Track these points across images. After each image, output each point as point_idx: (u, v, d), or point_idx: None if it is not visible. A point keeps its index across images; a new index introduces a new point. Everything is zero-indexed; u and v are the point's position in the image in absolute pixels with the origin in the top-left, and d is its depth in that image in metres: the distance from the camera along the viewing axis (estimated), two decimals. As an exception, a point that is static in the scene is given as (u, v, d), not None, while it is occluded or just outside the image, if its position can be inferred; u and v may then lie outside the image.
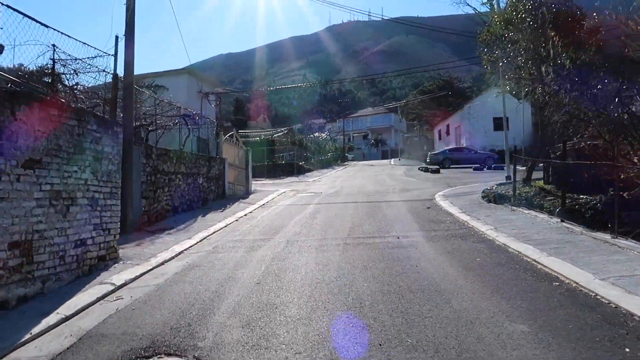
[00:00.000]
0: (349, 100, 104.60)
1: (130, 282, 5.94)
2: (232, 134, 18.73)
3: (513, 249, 6.68)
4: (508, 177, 16.62)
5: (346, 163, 57.26)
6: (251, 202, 15.12)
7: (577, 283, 4.85)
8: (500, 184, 15.04)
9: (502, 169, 28.89)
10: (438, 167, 32.91)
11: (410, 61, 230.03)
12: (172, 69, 27.01)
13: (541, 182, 11.68)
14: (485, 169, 29.34)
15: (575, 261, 5.55)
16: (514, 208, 9.97)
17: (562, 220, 8.61)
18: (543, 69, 11.69)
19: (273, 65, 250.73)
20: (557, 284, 5.02)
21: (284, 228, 9.79)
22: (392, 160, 57.97)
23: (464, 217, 9.44)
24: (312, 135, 58.49)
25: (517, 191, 11.20)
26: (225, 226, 10.50)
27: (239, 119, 76.17)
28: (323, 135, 66.77)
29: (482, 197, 11.65)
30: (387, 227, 9.09)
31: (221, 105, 57.20)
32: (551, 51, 11.53)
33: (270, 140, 42.56)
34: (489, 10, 13.64)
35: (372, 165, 48.17)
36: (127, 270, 6.35)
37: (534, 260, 5.95)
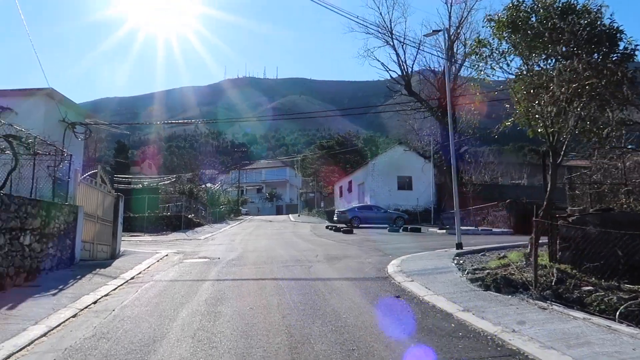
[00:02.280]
0: (244, 153, 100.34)
1: None
2: (96, 172, 13.49)
3: None
4: (459, 245, 13.36)
5: (240, 217, 52.23)
6: (113, 275, 9.97)
7: None
8: (460, 255, 11.65)
9: (419, 230, 26.33)
10: (348, 226, 29.67)
11: (303, 119, 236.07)
12: (24, 88, 20.91)
13: (544, 259, 8.30)
14: (400, 230, 26.52)
15: None
16: (545, 305, 6.28)
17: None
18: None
19: (167, 112, 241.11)
20: None
21: (159, 344, 5.10)
22: (291, 216, 54.18)
23: (482, 324, 5.45)
24: (204, 186, 53.01)
25: (532, 276, 7.65)
26: (43, 335, 5.50)
27: (119, 162, 68.03)
28: (215, 186, 61.40)
29: (469, 279, 7.92)
30: (363, 348, 4.87)
31: (97, 144, 49.77)
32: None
33: (154, 187, 36.60)
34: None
35: (270, 221, 43.83)
36: None
37: None
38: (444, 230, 25.03)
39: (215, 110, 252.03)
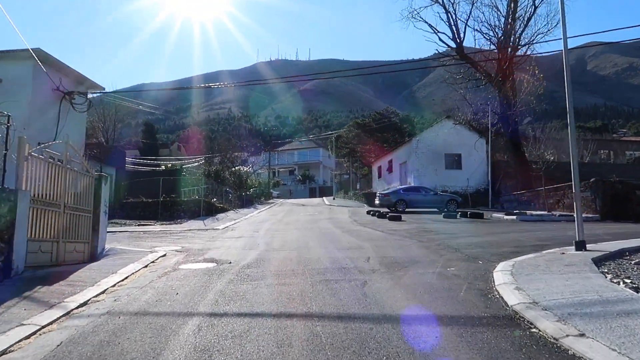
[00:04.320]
0: (276, 134, 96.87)
1: None
2: (66, 141, 9.75)
3: None
4: (581, 244, 9.02)
5: (271, 201, 48.71)
6: (52, 301, 6.24)
7: None
8: (600, 261, 7.40)
9: (481, 216, 21.85)
10: (392, 211, 25.60)
11: (337, 101, 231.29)
12: (6, 50, 17.49)
13: None
14: (458, 215, 22.17)
15: None
16: None
17: None
18: None
19: (203, 96, 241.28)
20: None
21: None
22: (325, 199, 50.27)
23: None
24: (234, 168, 49.80)
25: None
26: None
27: (147, 143, 65.67)
28: (245, 168, 58.14)
29: None
30: None
31: (115, 124, 46.99)
32: None
33: (175, 170, 33.28)
34: None
35: (303, 205, 40.03)
36: None
37: None
38: (514, 217, 20.55)
39: (249, 92, 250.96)
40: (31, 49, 16.45)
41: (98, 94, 23.58)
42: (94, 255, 10.56)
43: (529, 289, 5.76)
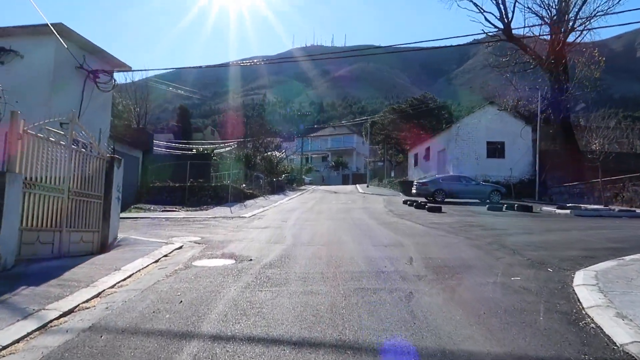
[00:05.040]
0: (310, 120, 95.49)
1: None
2: (71, 118, 8.71)
3: None
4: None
5: (303, 187, 47.67)
6: (34, 306, 5.19)
7: None
8: None
9: (529, 209, 20.00)
10: (429, 200, 24.09)
11: (371, 88, 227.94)
12: (28, 25, 16.72)
13: None
14: (504, 208, 20.42)
15: None
16: None
17: None
18: None
19: (239, 81, 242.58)
20: None
21: None
22: (359, 186, 48.81)
23: None
24: (266, 154, 48.97)
25: None
26: None
27: (181, 127, 65.58)
28: (278, 153, 57.26)
29: None
30: None
31: (147, 105, 46.62)
32: None
33: (206, 153, 32.49)
34: None
35: (335, 192, 38.76)
36: None
37: None
38: (567, 211, 18.65)
39: (284, 79, 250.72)
40: (52, 24, 15.60)
41: (132, 76, 22.86)
42: (105, 246, 9.58)
43: (637, 316, 4.29)
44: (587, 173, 25.29)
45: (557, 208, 19.83)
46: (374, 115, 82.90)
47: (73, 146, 8.66)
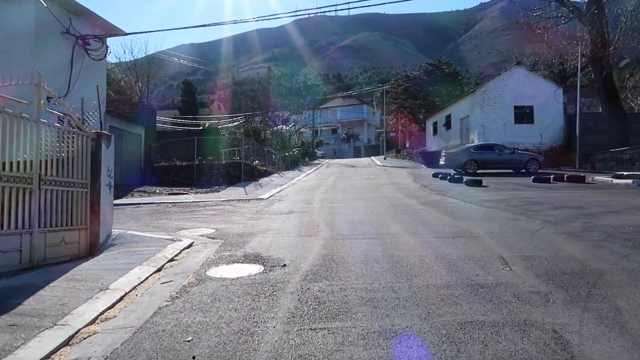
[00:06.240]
0: (314, 93, 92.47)
1: None
2: (36, 83, 6.57)
3: None
4: None
5: (317, 162, 45.51)
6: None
7: None
8: None
9: (582, 180, 17.69)
10: (463, 173, 21.94)
11: (376, 57, 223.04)
12: (1, -18, 14.44)
13: None
14: (552, 179, 18.17)
15: None
16: None
17: None
18: None
19: (238, 57, 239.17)
20: None
21: None
22: (375, 159, 46.53)
23: None
24: (275, 128, 46.82)
25: None
26: None
27: (186, 102, 63.28)
28: (286, 127, 55.01)
29: None
30: None
31: (149, 79, 44.20)
32: None
33: (212, 129, 30.32)
34: None
35: (353, 166, 36.56)
36: None
37: None
38: (628, 181, 16.36)
39: (288, 51, 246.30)
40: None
41: (132, 50, 20.53)
42: (95, 246, 7.56)
43: None
44: (636, 137, 22.87)
45: (613, 177, 17.51)
46: (383, 84, 79.84)
47: (43, 120, 6.54)
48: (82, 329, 4.12)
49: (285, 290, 4.91)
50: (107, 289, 5.23)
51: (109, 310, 4.62)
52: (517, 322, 3.77)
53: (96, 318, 4.40)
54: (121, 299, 5.00)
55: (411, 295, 4.57)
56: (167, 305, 4.63)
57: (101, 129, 8.59)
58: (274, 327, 3.88)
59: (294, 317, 4.11)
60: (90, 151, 7.70)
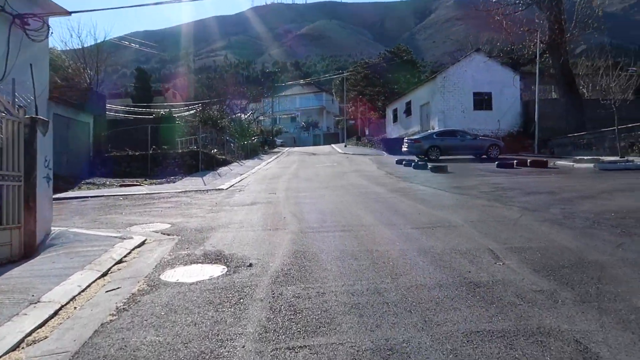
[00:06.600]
0: (275, 80, 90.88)
1: None
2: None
3: None
4: None
5: (276, 150, 44.70)
6: None
7: None
8: None
9: (544, 165, 17.75)
10: (425, 159, 21.74)
11: (334, 45, 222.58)
12: None
13: None
14: (515, 164, 18.15)
15: None
16: None
17: None
18: None
19: (195, 45, 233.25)
20: None
21: None
22: (335, 146, 46.12)
23: None
24: (234, 116, 45.59)
25: None
26: None
27: (139, 89, 60.66)
28: (244, 116, 53.78)
29: None
30: None
31: (106, 67, 41.78)
32: None
33: (167, 117, 28.93)
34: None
35: (314, 154, 35.96)
36: None
37: None
38: (589, 165, 16.48)
39: (246, 39, 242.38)
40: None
41: (80, 35, 19.09)
42: (31, 247, 6.58)
43: None
44: (589, 123, 23.26)
45: (574, 162, 17.64)
46: (341, 72, 79.39)
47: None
48: (0, 357, 3.30)
49: (253, 297, 4.22)
50: (39, 301, 4.37)
51: (38, 330, 3.79)
52: (530, 330, 3.23)
53: (21, 341, 3.57)
54: (56, 313, 4.16)
55: (400, 299, 3.97)
56: (111, 321, 3.83)
57: (36, 114, 7.54)
58: (243, 346, 3.19)
59: (266, 331, 3.43)
60: (23, 139, 6.68)
